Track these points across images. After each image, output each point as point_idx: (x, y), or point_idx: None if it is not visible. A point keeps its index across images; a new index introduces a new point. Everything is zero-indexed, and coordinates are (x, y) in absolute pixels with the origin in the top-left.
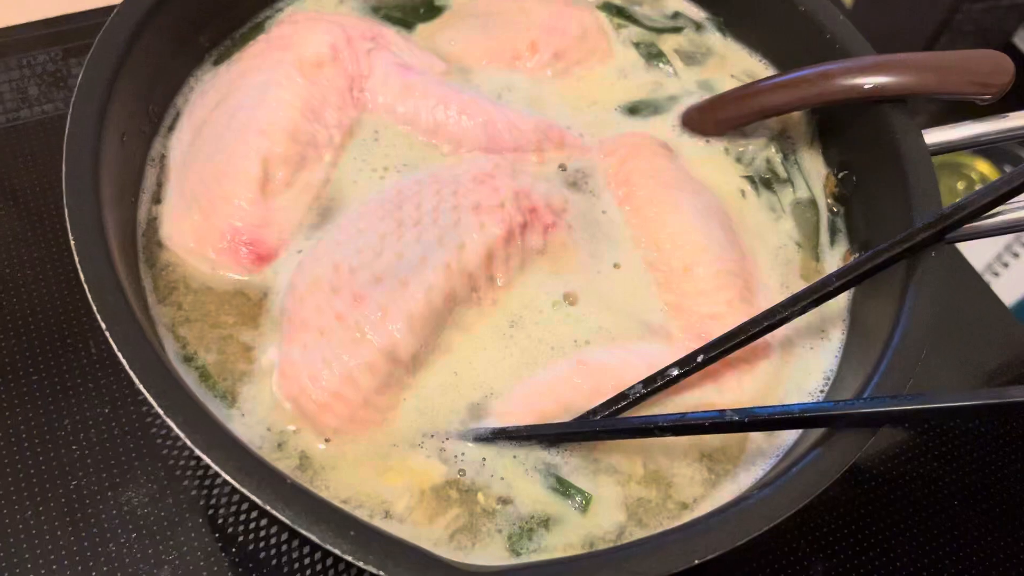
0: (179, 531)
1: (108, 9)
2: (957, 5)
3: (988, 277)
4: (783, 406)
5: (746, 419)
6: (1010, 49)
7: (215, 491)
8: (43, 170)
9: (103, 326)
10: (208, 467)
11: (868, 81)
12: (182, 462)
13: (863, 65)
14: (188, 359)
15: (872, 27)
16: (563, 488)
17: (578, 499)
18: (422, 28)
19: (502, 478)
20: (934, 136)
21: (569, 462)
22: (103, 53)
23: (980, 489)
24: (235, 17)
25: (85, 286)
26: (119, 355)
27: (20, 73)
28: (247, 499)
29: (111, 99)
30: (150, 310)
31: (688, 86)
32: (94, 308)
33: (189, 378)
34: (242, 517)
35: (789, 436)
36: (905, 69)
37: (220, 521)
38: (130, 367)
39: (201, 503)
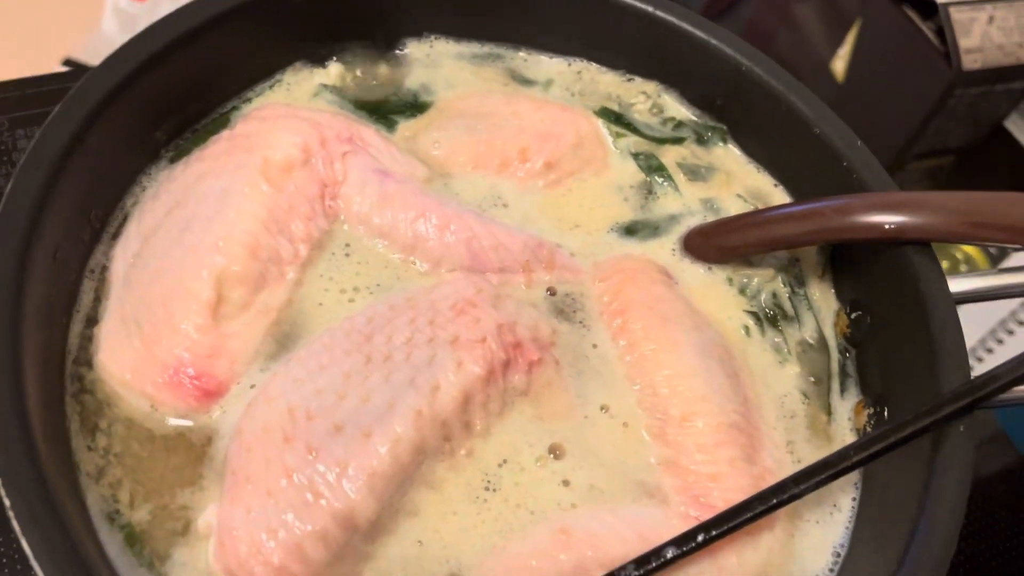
0: None
1: (63, 76)
2: (951, 90)
3: (972, 362)
4: None
5: None
6: (1001, 133)
7: None
8: None
9: (7, 504)
10: None
11: (890, 220)
12: None
13: (885, 202)
14: (112, 517)
15: (862, 108)
16: None
17: None
18: (403, 127)
19: None
20: (960, 284)
21: None
22: (38, 156)
23: None
24: (197, 108)
25: None
26: (23, 542)
27: None
28: None
29: (43, 214)
30: (73, 455)
31: (691, 204)
32: None
33: (112, 542)
34: None
35: None
36: (931, 210)
37: None
38: (35, 559)
39: None
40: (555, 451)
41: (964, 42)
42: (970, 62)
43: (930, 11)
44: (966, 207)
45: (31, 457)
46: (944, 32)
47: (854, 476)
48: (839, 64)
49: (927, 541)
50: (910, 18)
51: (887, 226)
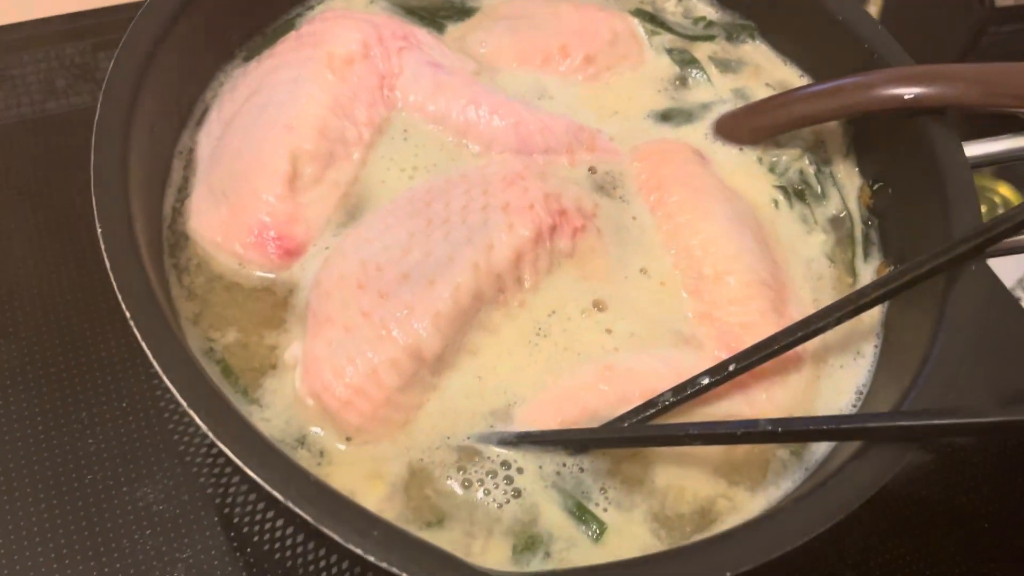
0: (194, 529)
1: (137, 4)
2: (984, 27)
3: (1019, 293)
4: (817, 417)
5: (779, 429)
6: None
7: (231, 489)
8: (66, 163)
9: (128, 315)
10: (224, 464)
11: (908, 91)
12: (199, 459)
13: (903, 75)
14: (210, 354)
15: None
16: (580, 513)
17: (594, 527)
18: (452, 29)
19: (521, 489)
20: (974, 149)
21: (597, 467)
22: (133, 45)
23: (1009, 512)
24: (266, 14)
25: (111, 274)
26: (143, 345)
27: (48, 65)
28: (263, 498)
29: (141, 90)
30: (174, 303)
31: (722, 94)
32: (119, 297)
33: (211, 373)
34: (257, 517)
35: (818, 451)
36: (947, 80)
37: (235, 520)
38: (154, 357)
39: (217, 501)
40: (598, 305)
41: None
42: None
43: None
44: (979, 76)
45: (150, 291)
46: None
47: (876, 325)
48: (872, 7)
49: (938, 362)
50: None
51: (906, 96)
